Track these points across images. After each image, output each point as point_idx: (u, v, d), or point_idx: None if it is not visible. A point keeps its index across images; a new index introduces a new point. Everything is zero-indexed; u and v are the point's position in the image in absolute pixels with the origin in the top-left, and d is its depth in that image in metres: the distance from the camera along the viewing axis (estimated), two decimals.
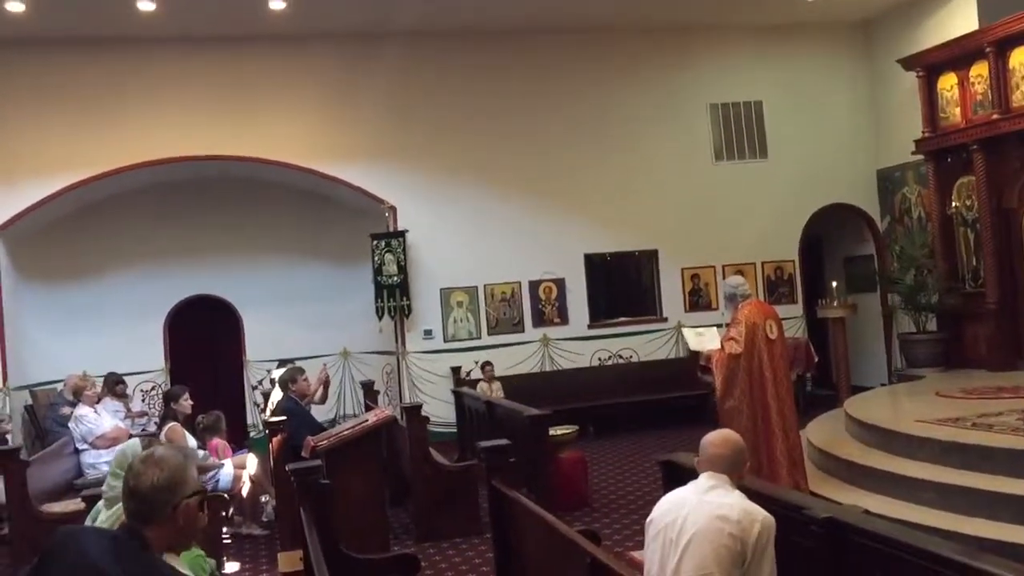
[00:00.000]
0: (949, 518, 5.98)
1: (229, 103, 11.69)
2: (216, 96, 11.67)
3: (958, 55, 11.15)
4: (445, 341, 12.28)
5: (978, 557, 3.06)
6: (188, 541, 2.57)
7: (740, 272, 11.44)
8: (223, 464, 8.11)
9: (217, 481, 7.93)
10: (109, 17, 10.54)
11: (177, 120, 11.51)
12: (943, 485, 6.33)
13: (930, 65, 11.61)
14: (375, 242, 11.99)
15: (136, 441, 3.62)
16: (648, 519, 3.64)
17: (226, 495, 7.74)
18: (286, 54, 11.88)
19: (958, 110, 11.31)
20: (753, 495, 4.30)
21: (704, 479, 3.54)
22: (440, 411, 11.64)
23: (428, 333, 12.24)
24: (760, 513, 3.39)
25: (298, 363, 9.71)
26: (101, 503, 3.40)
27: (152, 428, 10.55)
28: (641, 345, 12.79)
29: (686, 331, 8.70)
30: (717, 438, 3.64)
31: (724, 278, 12.60)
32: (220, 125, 11.62)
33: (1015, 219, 10.85)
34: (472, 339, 12.37)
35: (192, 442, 8.17)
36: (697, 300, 13.07)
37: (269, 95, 11.86)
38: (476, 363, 11.99)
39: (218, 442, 8.45)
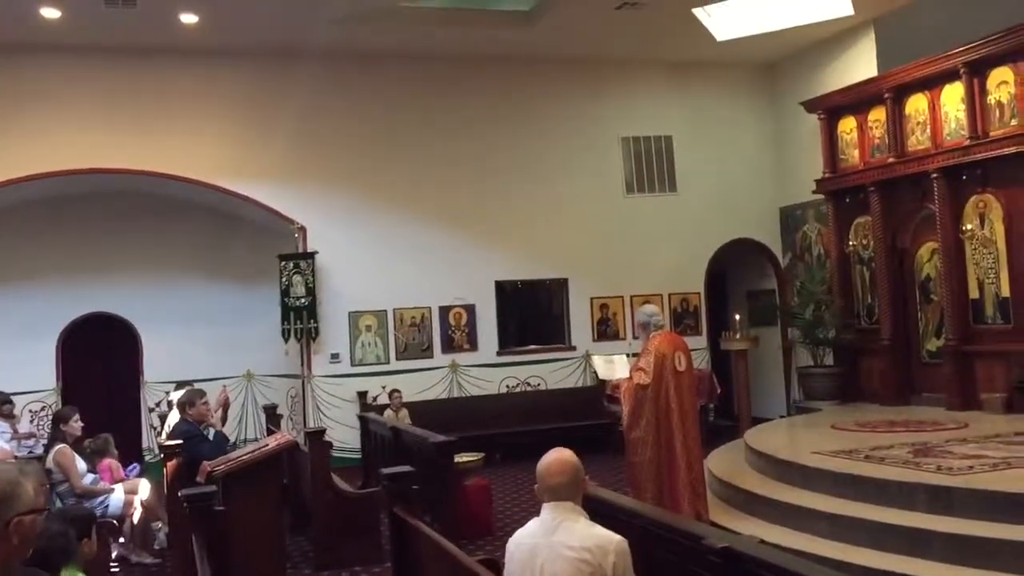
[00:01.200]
0: (841, 548, 6.13)
1: (135, 116, 11.36)
2: (121, 108, 11.33)
3: (857, 100, 11.61)
4: (352, 365, 12.11)
5: None
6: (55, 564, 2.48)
7: (649, 302, 11.58)
8: (113, 489, 7.80)
9: (107, 507, 7.62)
10: (11, 22, 10.15)
11: (79, 131, 11.14)
12: (835, 516, 6.49)
13: (831, 108, 12.06)
14: (283, 263, 11.78)
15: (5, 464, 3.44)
16: (507, 572, 3.49)
17: (115, 521, 7.44)
18: (197, 69, 11.62)
19: (856, 152, 11.77)
20: (652, 524, 4.34)
21: (547, 514, 3.42)
22: (345, 436, 11.46)
23: (335, 357, 12.06)
24: (611, 541, 3.30)
25: (199, 385, 9.41)
26: None
27: (40, 450, 10.08)
28: (549, 373, 12.84)
29: (595, 359, 8.78)
30: (554, 465, 3.48)
31: (632, 308, 12.82)
32: (124, 138, 11.27)
33: (908, 259, 11.31)
34: (380, 363, 12.23)
35: (82, 465, 7.85)
36: (605, 329, 13.20)
37: (177, 110, 11.57)
38: (383, 388, 11.85)
39: (109, 462, 8.14)
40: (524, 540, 3.44)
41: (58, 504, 7.22)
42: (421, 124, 12.50)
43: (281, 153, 11.90)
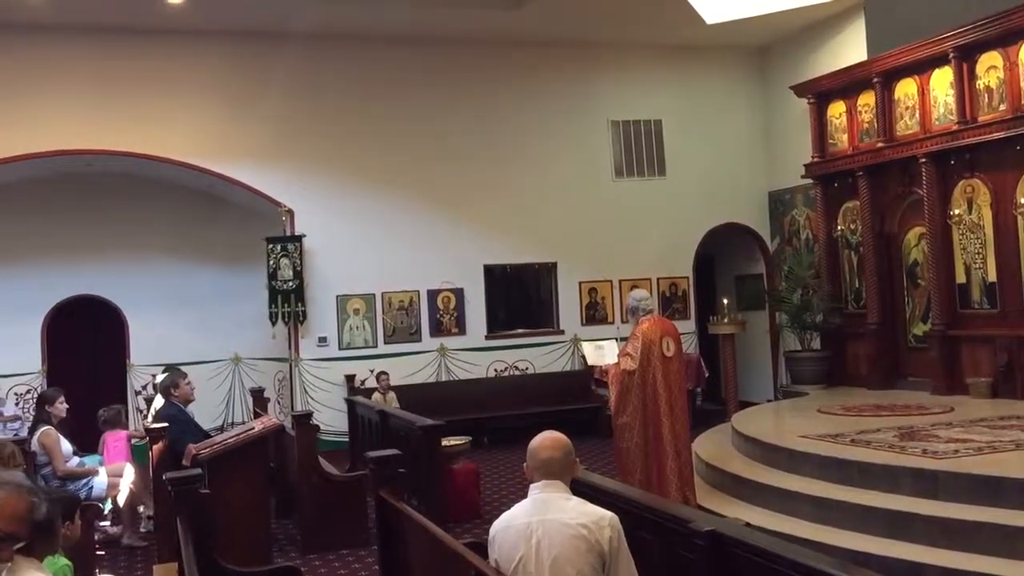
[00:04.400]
0: (826, 531, 6.17)
1: (120, 97, 11.24)
2: (107, 89, 11.21)
3: (847, 84, 11.59)
4: (340, 349, 12.08)
5: (850, 570, 3.14)
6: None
7: (637, 286, 11.57)
8: (97, 471, 7.78)
9: (91, 489, 7.59)
10: None
11: (63, 112, 11.03)
12: (821, 499, 6.52)
13: (820, 93, 12.04)
14: (270, 246, 11.71)
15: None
16: (492, 557, 3.43)
17: (100, 504, 7.42)
18: (183, 49, 11.51)
19: (845, 137, 11.76)
20: (640, 508, 4.34)
21: (537, 494, 3.41)
22: (333, 420, 11.46)
23: (323, 340, 12.02)
24: (604, 517, 3.31)
25: (186, 368, 9.38)
26: None
27: (25, 433, 10.03)
28: (537, 357, 12.84)
29: (584, 344, 8.77)
30: (547, 440, 3.49)
31: (621, 293, 12.83)
32: (110, 119, 11.17)
33: (895, 244, 11.32)
34: (368, 347, 12.20)
35: (67, 448, 7.82)
36: (594, 313, 13.20)
37: (164, 90, 11.45)
38: (371, 371, 11.83)
39: (122, 434, 8.22)
40: (514, 522, 3.40)
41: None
42: (409, 107, 12.41)
43: (268, 135, 11.82)
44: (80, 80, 11.12)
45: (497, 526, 3.47)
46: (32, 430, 8.03)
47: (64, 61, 11.08)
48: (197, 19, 10.98)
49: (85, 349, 12.60)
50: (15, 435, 10.02)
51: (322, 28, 11.52)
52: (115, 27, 11.06)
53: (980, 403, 9.32)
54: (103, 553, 7.53)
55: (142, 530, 8.00)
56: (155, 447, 7.00)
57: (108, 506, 7.90)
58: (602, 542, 3.25)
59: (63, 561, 3.93)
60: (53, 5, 10.12)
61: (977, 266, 10.03)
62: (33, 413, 9.74)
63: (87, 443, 8.79)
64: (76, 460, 7.97)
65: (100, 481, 7.71)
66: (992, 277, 9.86)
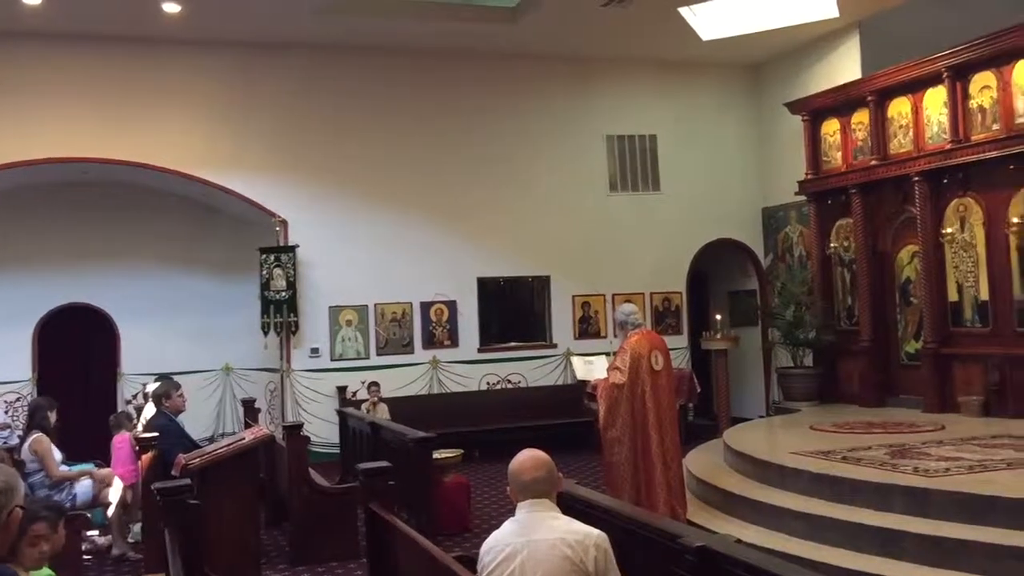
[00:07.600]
0: (816, 548, 6.16)
1: (115, 105, 11.24)
2: (101, 97, 11.21)
3: (841, 102, 11.65)
4: (332, 360, 12.05)
5: None
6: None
7: (630, 301, 11.57)
8: (90, 473, 7.76)
9: (74, 496, 7.54)
10: None
11: (57, 120, 11.01)
12: (811, 516, 6.51)
13: (815, 110, 12.10)
14: (264, 256, 11.70)
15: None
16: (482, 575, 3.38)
17: (87, 514, 7.38)
18: (179, 59, 11.51)
19: (839, 154, 11.81)
20: (629, 523, 4.33)
21: (524, 513, 3.37)
22: (324, 431, 11.42)
23: (315, 351, 11.99)
24: (591, 536, 3.26)
25: (177, 378, 9.34)
26: None
27: (15, 441, 9.97)
28: (530, 370, 12.81)
29: (574, 359, 8.77)
30: (528, 462, 3.42)
31: (614, 307, 12.80)
32: (104, 127, 11.16)
33: (888, 261, 11.36)
34: (360, 359, 12.17)
35: (58, 455, 7.78)
36: (587, 328, 13.19)
37: (158, 99, 11.45)
38: (363, 383, 11.79)
39: (125, 436, 8.17)
40: (500, 543, 3.36)
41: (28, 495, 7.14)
42: (404, 119, 12.44)
43: (263, 145, 11.82)
44: (75, 88, 11.12)
45: (486, 545, 3.43)
46: (23, 439, 7.98)
47: (60, 69, 11.07)
48: (194, 29, 11.00)
49: (76, 357, 12.55)
50: (4, 443, 9.98)
51: (318, 40, 11.56)
52: (112, 35, 11.06)
53: (972, 421, 9.33)
54: (89, 560, 7.47)
55: (130, 540, 7.94)
56: (144, 457, 6.97)
57: (99, 516, 7.86)
58: (587, 562, 3.20)
59: (46, 571, 3.91)
60: (50, 13, 10.13)
61: (969, 284, 10.07)
62: (24, 422, 9.68)
63: (76, 452, 8.73)
64: (63, 469, 7.91)
65: (84, 490, 7.66)
66: (984, 295, 9.89)
